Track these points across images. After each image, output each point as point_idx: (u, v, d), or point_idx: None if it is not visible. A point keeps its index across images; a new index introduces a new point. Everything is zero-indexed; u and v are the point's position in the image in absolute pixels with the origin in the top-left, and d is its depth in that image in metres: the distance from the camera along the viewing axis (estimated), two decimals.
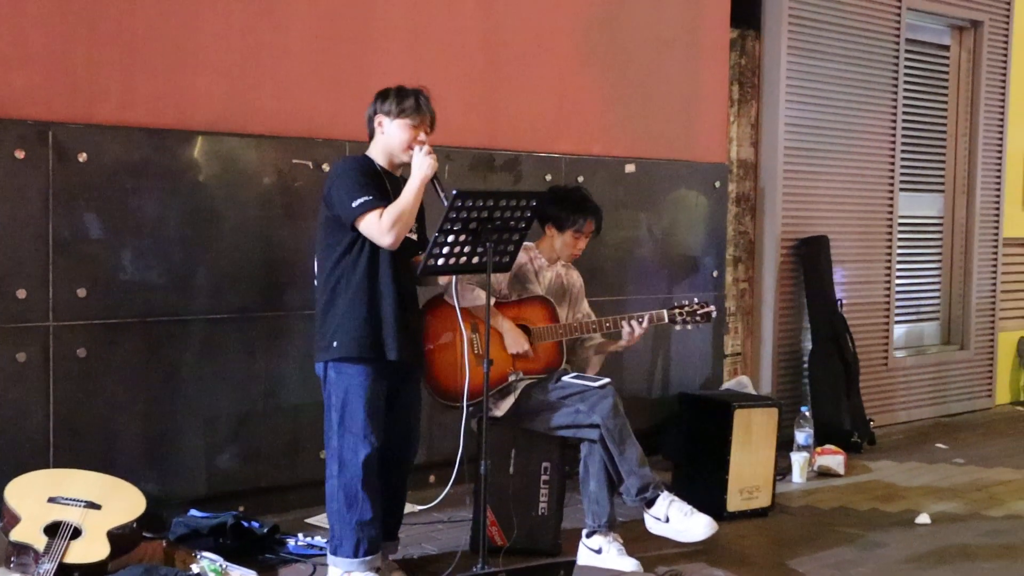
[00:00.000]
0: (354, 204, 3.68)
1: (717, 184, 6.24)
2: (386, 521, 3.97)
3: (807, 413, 5.83)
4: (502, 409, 4.28)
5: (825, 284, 6.59)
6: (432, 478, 5.03)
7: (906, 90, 7.21)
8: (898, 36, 7.07)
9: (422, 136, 3.81)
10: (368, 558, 3.80)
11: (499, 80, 5.39)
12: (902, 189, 7.28)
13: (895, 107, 7.11)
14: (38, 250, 4.11)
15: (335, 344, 3.78)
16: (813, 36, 6.63)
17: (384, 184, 3.80)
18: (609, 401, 4.16)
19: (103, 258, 4.26)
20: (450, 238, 3.71)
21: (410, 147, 3.79)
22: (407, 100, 3.81)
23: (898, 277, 7.31)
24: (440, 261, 3.76)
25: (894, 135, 7.13)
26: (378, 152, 3.87)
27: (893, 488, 5.61)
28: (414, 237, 3.88)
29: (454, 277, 4.00)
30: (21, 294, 4.07)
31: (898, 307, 7.34)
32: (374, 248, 3.75)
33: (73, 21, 4.20)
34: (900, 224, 7.28)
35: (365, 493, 3.75)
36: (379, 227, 3.67)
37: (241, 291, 4.59)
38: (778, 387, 6.54)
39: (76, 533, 3.58)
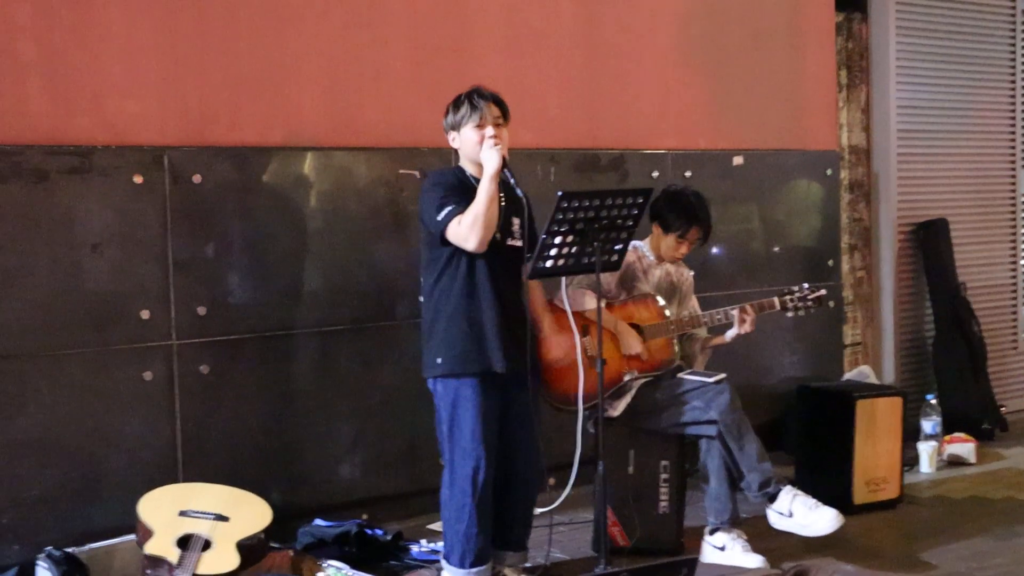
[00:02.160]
0: (439, 217, 3.69)
1: (829, 172, 6.11)
2: (510, 533, 3.97)
3: (933, 401, 5.67)
4: (618, 409, 4.26)
5: (946, 268, 6.40)
6: (552, 481, 5.01)
7: None
8: (1014, 6, 6.82)
9: (488, 131, 3.74)
10: (474, 570, 3.80)
11: (599, 79, 5.36)
12: None
13: (1013, 81, 6.86)
14: (159, 271, 4.23)
15: (439, 361, 3.79)
16: (922, 14, 6.44)
17: (475, 192, 3.75)
18: (726, 396, 4.11)
19: (220, 276, 4.37)
20: (557, 239, 3.71)
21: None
22: (460, 108, 3.81)
23: None
24: (549, 263, 3.76)
25: (1013, 111, 6.88)
26: (466, 163, 3.87)
27: None
28: (518, 243, 3.83)
29: (563, 280, 3.99)
30: (145, 315, 4.20)
31: None
32: (471, 260, 3.73)
33: (182, 49, 4.32)
34: None
35: (473, 506, 3.75)
36: (459, 232, 3.66)
37: (353, 303, 4.66)
38: (901, 376, 6.37)
39: (207, 545, 3.68)
